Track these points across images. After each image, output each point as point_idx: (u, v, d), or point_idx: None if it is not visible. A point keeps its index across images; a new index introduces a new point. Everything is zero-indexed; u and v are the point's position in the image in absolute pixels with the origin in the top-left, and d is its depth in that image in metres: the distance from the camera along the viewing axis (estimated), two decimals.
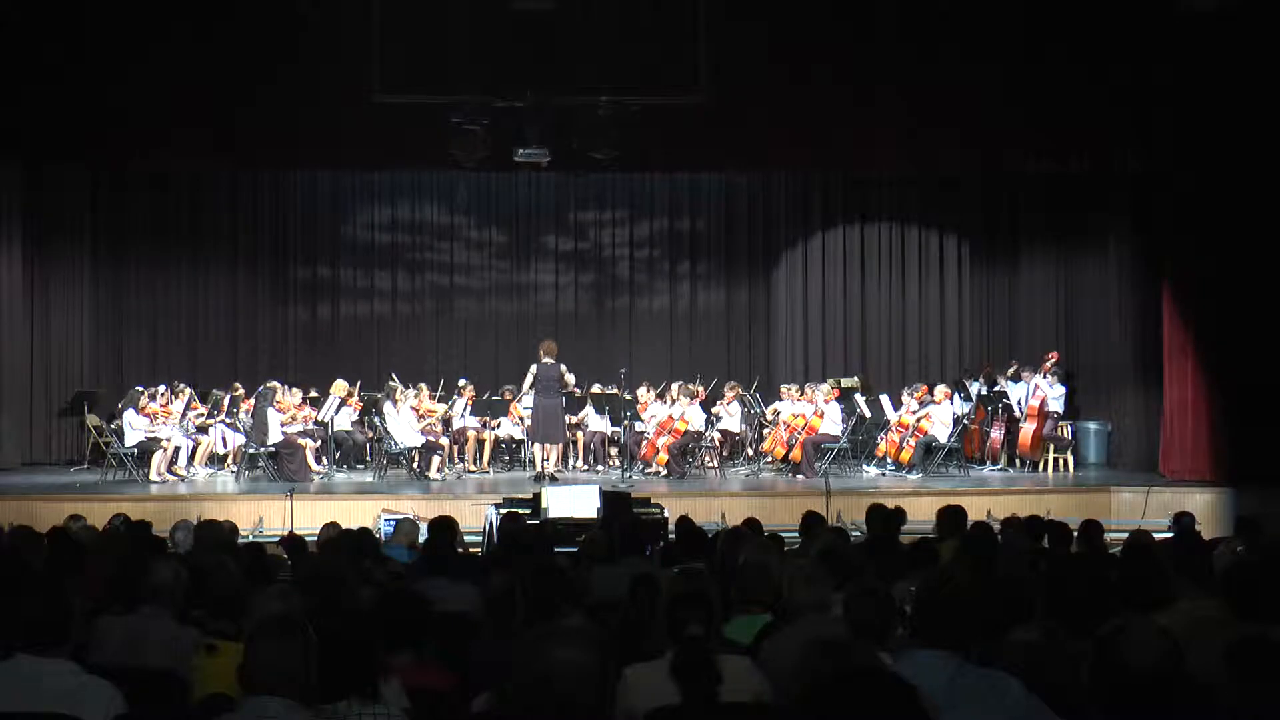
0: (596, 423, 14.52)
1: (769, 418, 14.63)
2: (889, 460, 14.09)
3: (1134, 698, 3.21)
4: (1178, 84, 12.15)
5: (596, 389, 14.60)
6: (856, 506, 10.55)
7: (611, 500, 10.03)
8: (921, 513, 10.23)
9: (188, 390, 14.34)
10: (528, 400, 13.68)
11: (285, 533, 10.45)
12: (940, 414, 13.82)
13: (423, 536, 7.77)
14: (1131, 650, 3.24)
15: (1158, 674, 3.20)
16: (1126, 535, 7.73)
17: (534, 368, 13.28)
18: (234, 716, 3.25)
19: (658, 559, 6.98)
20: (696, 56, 12.09)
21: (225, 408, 14.15)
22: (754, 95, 12.23)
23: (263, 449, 13.42)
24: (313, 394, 14.51)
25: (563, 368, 13.29)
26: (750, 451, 14.96)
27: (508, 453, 14.98)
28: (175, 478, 13.30)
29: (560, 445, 13.75)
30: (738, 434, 14.82)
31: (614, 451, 14.49)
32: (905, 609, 4.40)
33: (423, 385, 14.79)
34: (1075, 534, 7.62)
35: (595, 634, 2.90)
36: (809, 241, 16.70)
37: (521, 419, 14.18)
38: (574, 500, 10.02)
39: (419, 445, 13.56)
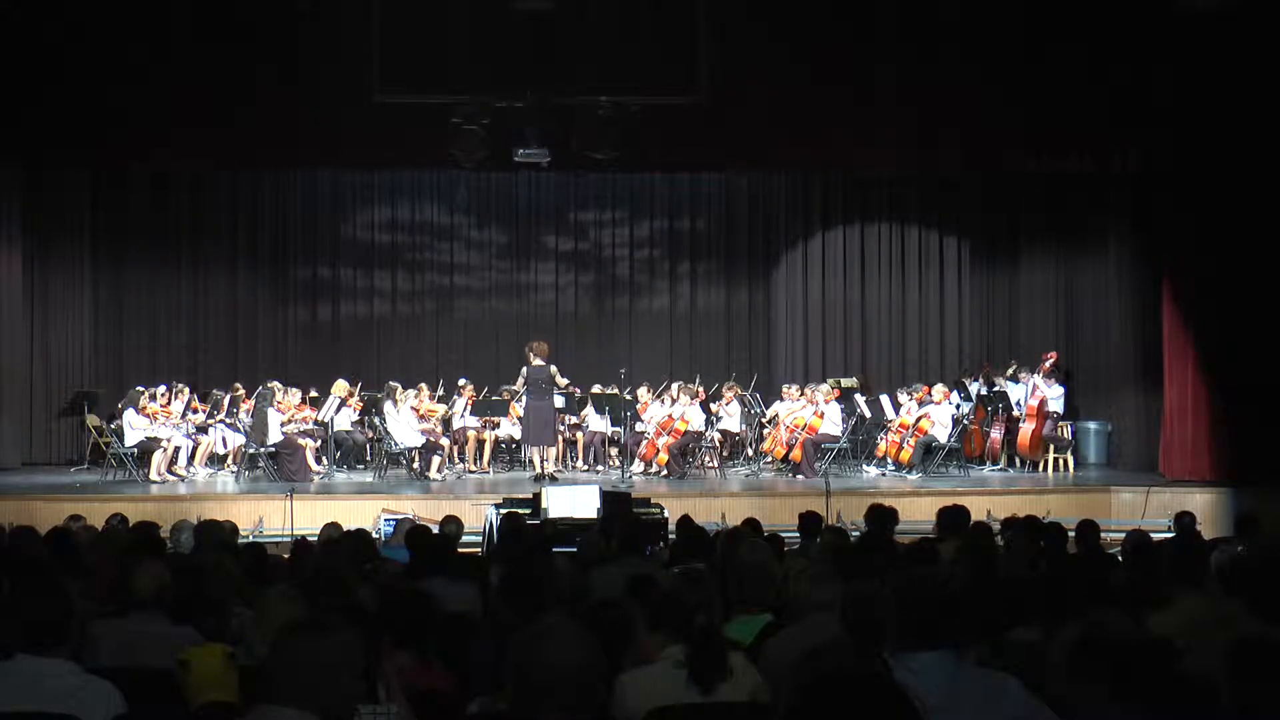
0: (596, 423, 14.52)
1: (768, 419, 14.64)
2: (889, 460, 14.09)
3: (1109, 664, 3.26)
4: (1178, 84, 12.15)
5: (596, 389, 14.60)
6: (856, 506, 10.55)
7: (611, 500, 10.03)
8: (921, 513, 10.25)
9: (188, 390, 14.35)
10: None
11: (285, 533, 10.49)
12: (940, 414, 13.82)
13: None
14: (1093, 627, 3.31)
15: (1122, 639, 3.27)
16: (1125, 535, 7.72)
17: (524, 370, 13.26)
18: None
19: (663, 559, 6.98)
20: (696, 56, 12.09)
21: (225, 408, 14.16)
22: (754, 95, 12.23)
23: (263, 449, 13.42)
24: (313, 394, 14.52)
25: (553, 368, 13.25)
26: (750, 451, 14.96)
27: (508, 453, 14.98)
28: (175, 478, 13.30)
29: (556, 446, 13.75)
30: (738, 434, 14.82)
31: (614, 451, 14.48)
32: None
33: (423, 385, 14.79)
34: (1072, 534, 7.62)
35: (592, 633, 2.90)
36: (809, 241, 16.70)
37: (520, 419, 14.17)
38: (574, 500, 10.01)
39: (419, 445, 13.56)
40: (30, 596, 3.78)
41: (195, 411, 14.18)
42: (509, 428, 14.61)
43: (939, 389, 14.14)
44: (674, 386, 14.52)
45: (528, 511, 9.64)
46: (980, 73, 12.20)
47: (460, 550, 7.69)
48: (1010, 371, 14.95)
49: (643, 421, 14.15)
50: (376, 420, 13.81)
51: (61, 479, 13.54)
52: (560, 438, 14.08)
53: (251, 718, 2.95)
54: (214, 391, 14.59)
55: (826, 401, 13.95)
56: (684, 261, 17.02)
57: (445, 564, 6.16)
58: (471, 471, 14.24)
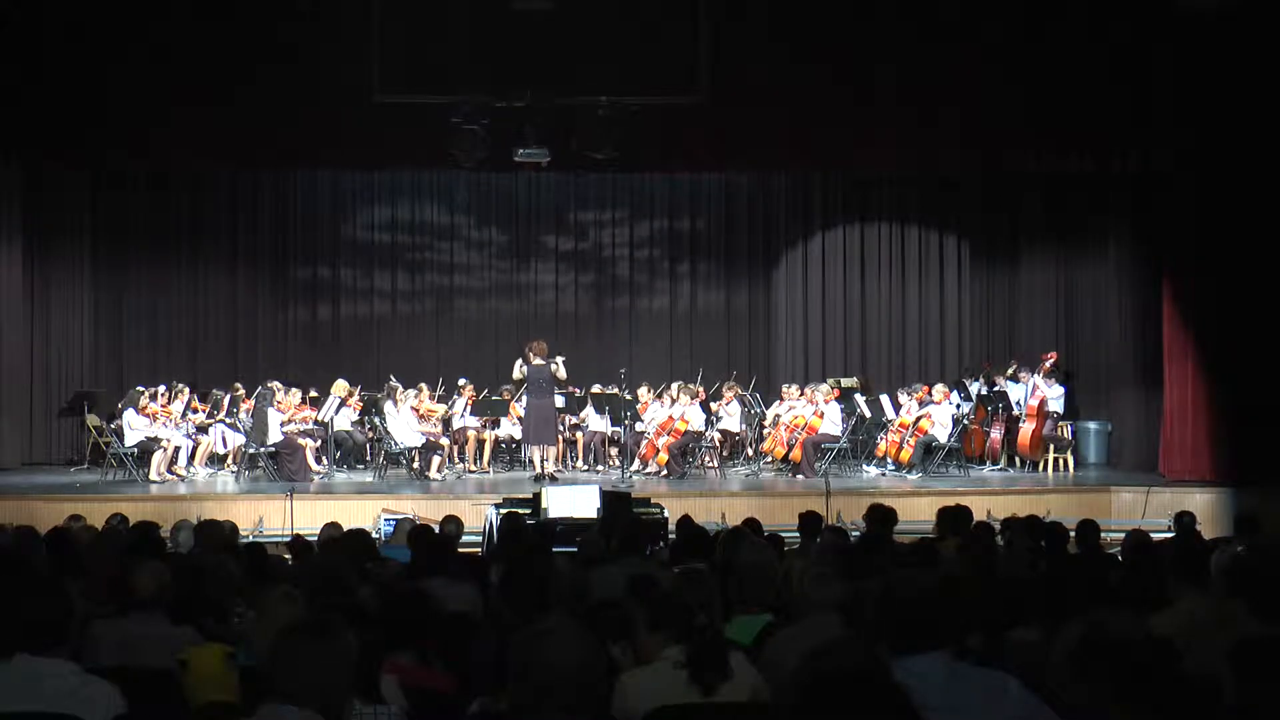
0: (596, 423, 14.51)
1: (768, 420, 14.63)
2: (889, 460, 14.09)
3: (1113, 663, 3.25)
4: (1178, 84, 12.15)
5: (596, 389, 14.60)
6: (856, 506, 10.55)
7: (611, 500, 10.03)
8: (921, 513, 10.25)
9: (187, 390, 14.34)
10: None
11: (285, 532, 10.49)
12: (940, 414, 13.82)
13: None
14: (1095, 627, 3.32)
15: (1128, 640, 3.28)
16: (1125, 535, 7.72)
17: (525, 369, 13.25)
18: None
19: (663, 558, 6.97)
20: (696, 56, 12.09)
21: (225, 408, 14.16)
22: (754, 95, 12.23)
23: (263, 449, 13.42)
24: (313, 394, 14.52)
25: (553, 366, 13.25)
26: (750, 451, 14.96)
27: (508, 453, 14.97)
28: (175, 478, 13.30)
29: (557, 445, 13.75)
30: (738, 434, 14.82)
31: (614, 451, 14.48)
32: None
33: (423, 385, 14.79)
34: (1072, 534, 7.62)
35: (592, 633, 2.90)
36: (809, 241, 16.70)
37: (520, 419, 14.16)
38: (574, 500, 10.02)
39: (419, 445, 13.56)
40: (30, 596, 3.77)
41: (195, 411, 14.18)
42: (509, 428, 14.61)
43: (939, 389, 14.14)
44: (674, 386, 14.52)
45: (528, 511, 9.64)
46: (980, 73, 12.20)
47: (460, 550, 7.69)
48: (1010, 371, 14.94)
49: (643, 421, 14.15)
50: (376, 420, 13.81)
51: (61, 479, 13.53)
52: (560, 438, 14.08)
53: (257, 717, 3.01)
54: (214, 391, 14.59)
55: (826, 401, 13.95)
56: (684, 261, 17.02)
57: (445, 564, 6.15)
58: (471, 471, 14.24)
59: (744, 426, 14.85)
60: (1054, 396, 14.28)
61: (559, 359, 13.27)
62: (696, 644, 3.88)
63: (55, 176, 14.92)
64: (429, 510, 10.83)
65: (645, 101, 12.05)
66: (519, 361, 13.32)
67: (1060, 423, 14.31)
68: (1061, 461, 14.16)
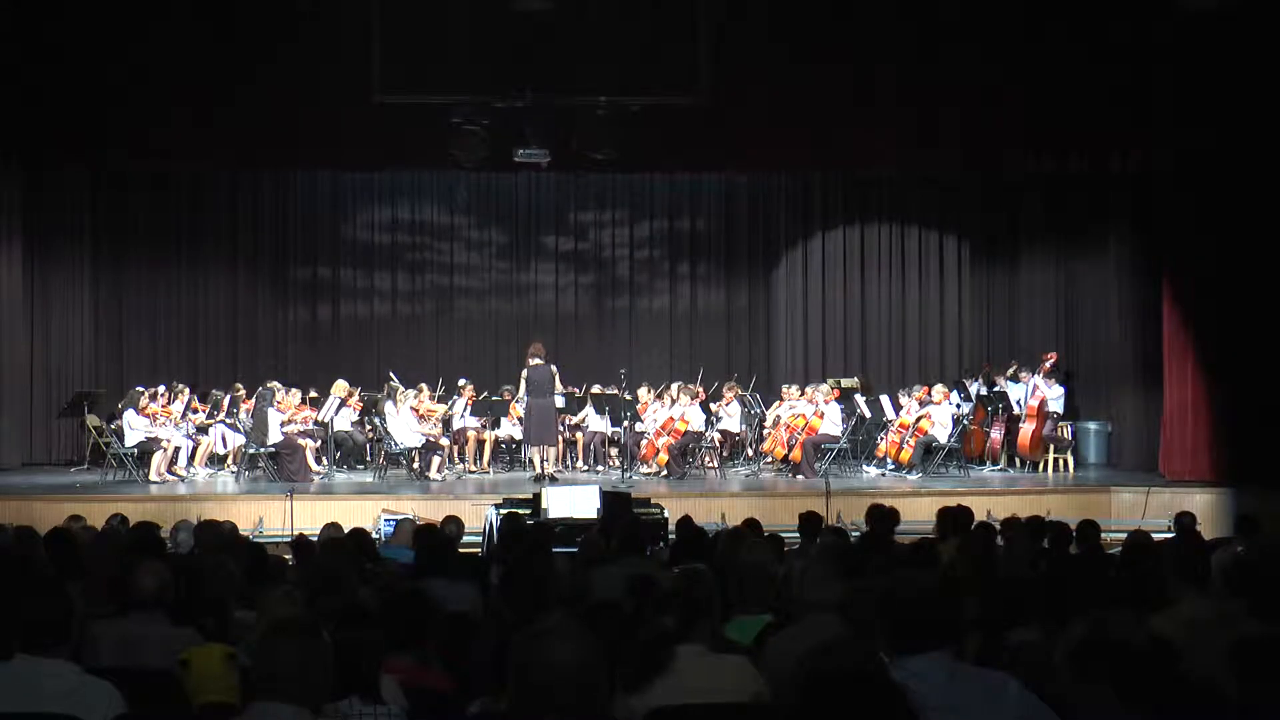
0: (596, 423, 14.52)
1: (768, 421, 14.64)
2: (889, 460, 14.09)
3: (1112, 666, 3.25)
4: (1178, 84, 12.15)
5: (596, 389, 14.60)
6: (856, 506, 10.56)
7: (611, 500, 10.03)
8: (921, 513, 10.25)
9: (187, 390, 14.34)
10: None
11: (285, 532, 10.49)
12: (940, 414, 13.82)
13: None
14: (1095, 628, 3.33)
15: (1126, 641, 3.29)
16: (1126, 535, 7.72)
17: (525, 370, 13.26)
18: None
19: (663, 558, 6.97)
20: (696, 56, 12.08)
21: (225, 408, 14.17)
22: (754, 95, 12.23)
23: (263, 449, 13.42)
24: (313, 394, 14.52)
25: (553, 368, 13.24)
26: (750, 451, 14.96)
27: (508, 453, 14.98)
28: (175, 478, 13.30)
29: (557, 446, 13.75)
30: (738, 434, 14.82)
31: (614, 451, 14.48)
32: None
33: (423, 385, 14.79)
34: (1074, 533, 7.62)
35: (592, 633, 2.90)
36: (809, 241, 16.70)
37: (520, 419, 14.16)
38: (574, 500, 10.01)
39: (419, 445, 13.56)
40: (30, 596, 3.77)
41: (195, 411, 14.18)
42: (509, 428, 14.61)
43: (939, 389, 14.14)
44: (674, 387, 14.52)
45: (528, 512, 9.64)
46: (980, 73, 12.20)
47: (460, 550, 7.69)
48: (1010, 371, 14.94)
49: (643, 422, 14.15)
50: (376, 420, 13.81)
51: (61, 479, 13.53)
52: (560, 438, 14.08)
53: (248, 715, 3.03)
54: (214, 391, 14.60)
55: (826, 401, 13.95)
56: (684, 261, 17.02)
57: (446, 564, 6.15)
58: (471, 471, 14.24)
59: (744, 427, 14.85)
60: (1054, 397, 14.28)
61: (552, 367, 13.24)
62: (638, 651, 3.85)
63: (55, 176, 14.92)
64: (429, 510, 10.83)
65: (645, 101, 12.05)
66: (525, 370, 13.31)
67: (1060, 423, 14.31)
68: (1061, 462, 14.16)
